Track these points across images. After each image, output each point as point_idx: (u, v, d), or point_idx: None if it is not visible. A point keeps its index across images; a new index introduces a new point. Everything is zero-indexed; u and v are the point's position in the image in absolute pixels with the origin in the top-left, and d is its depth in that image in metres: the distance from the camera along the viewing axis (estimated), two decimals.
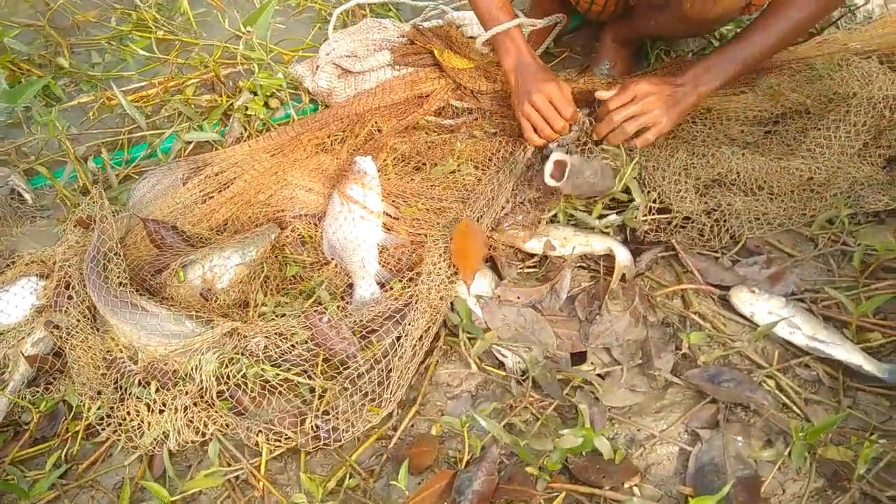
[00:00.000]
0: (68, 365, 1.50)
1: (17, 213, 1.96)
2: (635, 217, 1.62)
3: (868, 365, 1.34)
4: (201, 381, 1.37)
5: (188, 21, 2.54)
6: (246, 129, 2.11)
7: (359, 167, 1.72)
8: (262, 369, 1.38)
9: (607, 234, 1.64)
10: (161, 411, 1.37)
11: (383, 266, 1.62)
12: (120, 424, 1.39)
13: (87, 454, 1.45)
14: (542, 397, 1.40)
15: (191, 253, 1.65)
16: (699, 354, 1.42)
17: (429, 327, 1.45)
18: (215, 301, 1.58)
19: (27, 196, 2.00)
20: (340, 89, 2.09)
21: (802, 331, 1.40)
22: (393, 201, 1.74)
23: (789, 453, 1.25)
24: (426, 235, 1.62)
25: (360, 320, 1.47)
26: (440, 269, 1.49)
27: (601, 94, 1.66)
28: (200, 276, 1.60)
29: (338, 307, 1.52)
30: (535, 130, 1.69)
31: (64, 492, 1.39)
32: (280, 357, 1.41)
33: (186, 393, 1.37)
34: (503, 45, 1.75)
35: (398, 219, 1.70)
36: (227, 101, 2.18)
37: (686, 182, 1.62)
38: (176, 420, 1.35)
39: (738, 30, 1.80)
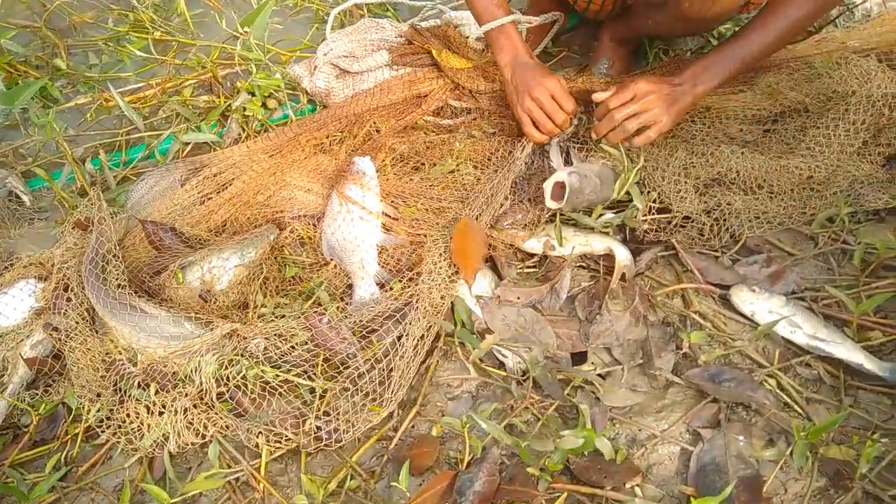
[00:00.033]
0: (67, 367, 1.50)
1: (14, 216, 1.95)
2: (635, 217, 1.62)
3: (869, 363, 1.34)
4: (201, 383, 1.37)
5: (185, 22, 2.53)
6: (244, 130, 2.11)
7: (357, 167, 1.72)
8: (262, 371, 1.37)
9: (607, 233, 1.64)
10: (161, 413, 1.37)
11: (383, 266, 1.61)
12: (120, 426, 1.38)
13: (87, 456, 1.45)
14: (542, 397, 1.40)
15: (189, 254, 1.64)
16: (700, 354, 1.42)
17: (430, 326, 1.45)
18: (214, 302, 1.58)
19: (25, 198, 1.99)
20: (338, 90, 2.09)
21: (803, 329, 1.40)
22: (392, 202, 1.73)
23: (791, 453, 1.25)
24: (425, 236, 1.61)
25: (360, 320, 1.46)
26: (441, 268, 1.48)
27: (598, 96, 1.66)
28: (199, 278, 1.60)
29: (337, 308, 1.52)
30: (536, 126, 1.69)
31: (64, 494, 1.39)
32: (280, 358, 1.40)
33: (186, 395, 1.37)
34: (498, 41, 1.75)
35: (397, 219, 1.70)
36: (224, 102, 2.18)
37: (686, 181, 1.62)
38: (176, 422, 1.35)
39: (737, 28, 1.79)
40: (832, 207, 1.59)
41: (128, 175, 2.05)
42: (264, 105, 2.14)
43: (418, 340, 1.42)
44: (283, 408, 1.38)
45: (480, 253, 1.53)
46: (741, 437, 1.28)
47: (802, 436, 1.24)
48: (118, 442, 1.39)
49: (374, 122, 2.00)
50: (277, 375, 1.38)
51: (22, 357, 1.53)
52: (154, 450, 1.37)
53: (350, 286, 1.60)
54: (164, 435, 1.36)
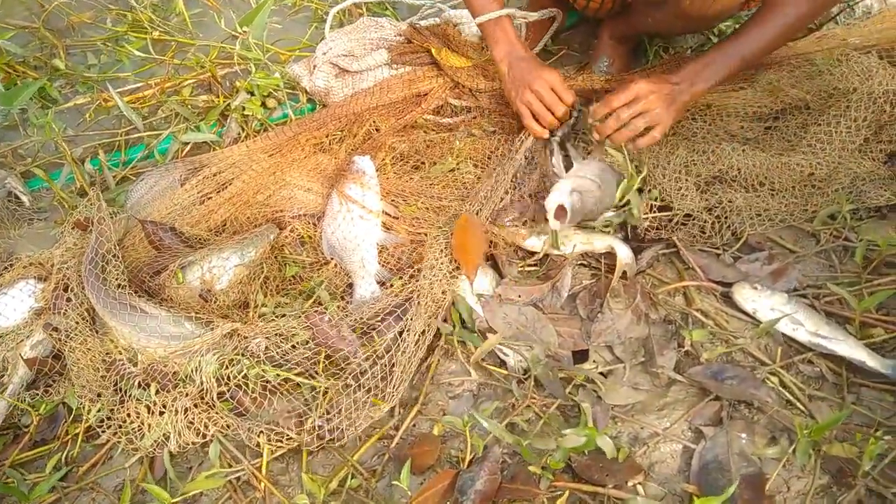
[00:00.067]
0: (67, 367, 1.49)
1: (14, 216, 1.95)
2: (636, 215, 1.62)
3: (871, 361, 1.34)
4: (201, 383, 1.36)
5: (184, 21, 2.53)
6: (243, 130, 2.11)
7: (357, 166, 1.71)
8: (262, 370, 1.37)
9: (608, 231, 1.64)
10: (161, 413, 1.36)
11: (383, 265, 1.61)
12: (120, 426, 1.38)
13: (88, 456, 1.44)
14: (544, 396, 1.39)
15: (189, 254, 1.64)
16: (702, 352, 1.41)
17: (431, 321, 1.45)
18: (215, 302, 1.58)
19: (24, 198, 1.99)
20: (338, 89, 2.08)
21: (805, 327, 1.40)
22: (392, 200, 1.73)
23: (794, 450, 1.25)
24: (426, 234, 1.61)
25: (361, 318, 1.46)
26: (442, 263, 1.48)
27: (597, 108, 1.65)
28: (199, 278, 1.59)
29: (338, 307, 1.51)
30: (536, 119, 1.69)
31: (64, 494, 1.38)
32: (281, 357, 1.40)
33: (187, 394, 1.36)
34: (493, 34, 1.76)
35: (397, 218, 1.70)
36: (224, 102, 2.18)
37: (687, 179, 1.62)
38: (176, 421, 1.35)
39: (737, 26, 1.79)
40: (834, 204, 1.59)
41: (127, 175, 2.05)
42: (263, 104, 2.14)
43: (419, 335, 1.42)
44: (284, 407, 1.38)
45: (481, 248, 1.53)
46: (743, 435, 1.28)
47: (805, 433, 1.23)
48: (119, 442, 1.38)
49: (374, 121, 2.00)
50: (278, 375, 1.38)
51: (22, 357, 1.52)
52: (155, 449, 1.36)
53: (350, 285, 1.60)
54: (164, 435, 1.35)
